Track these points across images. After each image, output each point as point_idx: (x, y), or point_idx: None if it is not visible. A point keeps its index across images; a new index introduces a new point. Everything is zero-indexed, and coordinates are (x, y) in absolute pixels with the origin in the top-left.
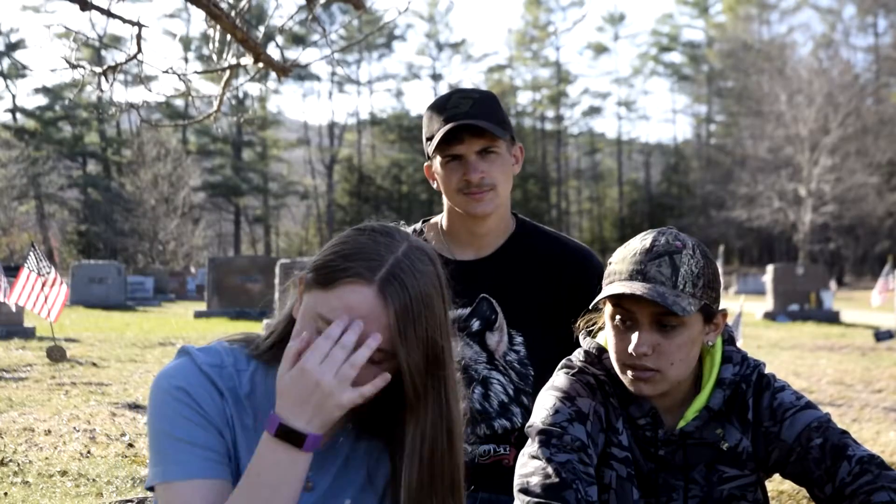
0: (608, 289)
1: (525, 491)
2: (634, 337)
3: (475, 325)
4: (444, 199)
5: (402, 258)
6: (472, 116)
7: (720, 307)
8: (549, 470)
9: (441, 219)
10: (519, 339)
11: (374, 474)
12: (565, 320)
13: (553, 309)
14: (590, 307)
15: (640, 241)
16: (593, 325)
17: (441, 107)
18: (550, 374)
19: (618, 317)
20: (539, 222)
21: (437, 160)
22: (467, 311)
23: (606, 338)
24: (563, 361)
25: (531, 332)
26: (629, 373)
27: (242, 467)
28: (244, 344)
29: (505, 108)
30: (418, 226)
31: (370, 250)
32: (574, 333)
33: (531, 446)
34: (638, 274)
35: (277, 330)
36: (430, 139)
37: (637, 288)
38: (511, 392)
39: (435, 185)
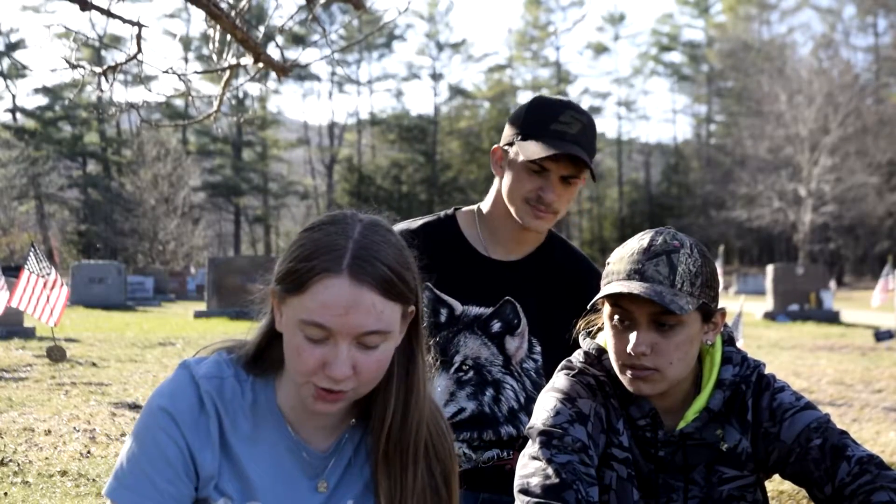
0: (606, 288)
1: (525, 491)
2: (633, 337)
3: (496, 326)
4: (497, 190)
5: (360, 238)
6: (578, 143)
7: (718, 306)
8: (550, 471)
9: (484, 206)
10: (538, 349)
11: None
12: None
13: (572, 325)
14: (588, 307)
15: (638, 241)
16: (593, 326)
17: (551, 116)
18: None
19: (616, 317)
20: None
21: (520, 161)
22: (489, 310)
23: (606, 338)
24: (563, 363)
25: (551, 344)
26: (628, 372)
27: (253, 478)
28: (240, 351)
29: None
30: (449, 211)
31: (327, 243)
32: (574, 336)
33: (532, 447)
34: (635, 273)
35: (258, 342)
36: (524, 137)
37: (635, 287)
38: (522, 400)
39: (496, 171)
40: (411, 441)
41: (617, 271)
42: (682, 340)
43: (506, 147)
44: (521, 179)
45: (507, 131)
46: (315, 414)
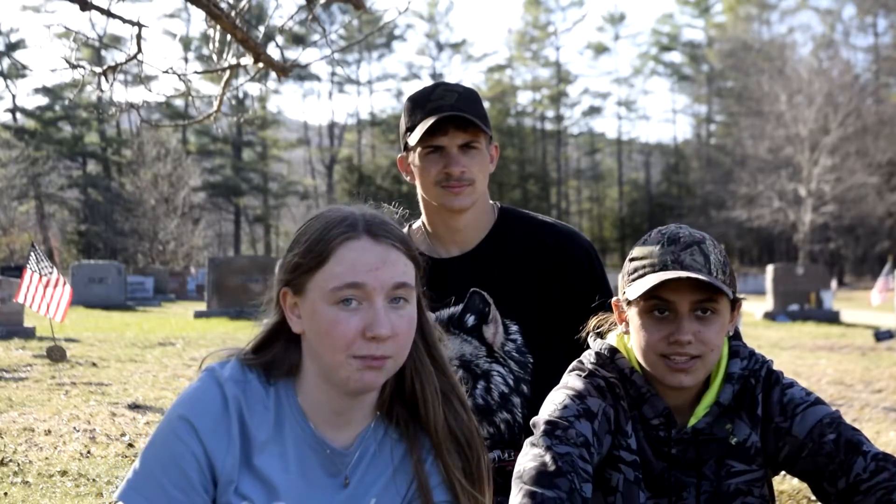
0: (649, 279)
1: (519, 476)
2: (676, 326)
3: (470, 320)
4: (420, 195)
5: (366, 212)
6: (457, 110)
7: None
8: (547, 459)
9: (423, 219)
10: (514, 328)
11: (398, 473)
12: (557, 303)
13: (543, 293)
14: (612, 301)
15: (663, 235)
16: (602, 326)
17: (424, 98)
18: (550, 359)
19: (655, 308)
20: None
21: (417, 152)
22: (459, 307)
23: (633, 334)
24: (574, 364)
25: (525, 320)
26: (668, 363)
27: (276, 479)
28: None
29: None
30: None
31: (337, 217)
32: (583, 330)
33: (534, 436)
34: (675, 263)
35: (274, 354)
36: (410, 129)
37: (691, 272)
38: (511, 382)
39: (409, 179)
40: (463, 430)
41: (650, 264)
42: (719, 328)
43: (404, 152)
44: (426, 167)
45: (401, 139)
46: (357, 393)
